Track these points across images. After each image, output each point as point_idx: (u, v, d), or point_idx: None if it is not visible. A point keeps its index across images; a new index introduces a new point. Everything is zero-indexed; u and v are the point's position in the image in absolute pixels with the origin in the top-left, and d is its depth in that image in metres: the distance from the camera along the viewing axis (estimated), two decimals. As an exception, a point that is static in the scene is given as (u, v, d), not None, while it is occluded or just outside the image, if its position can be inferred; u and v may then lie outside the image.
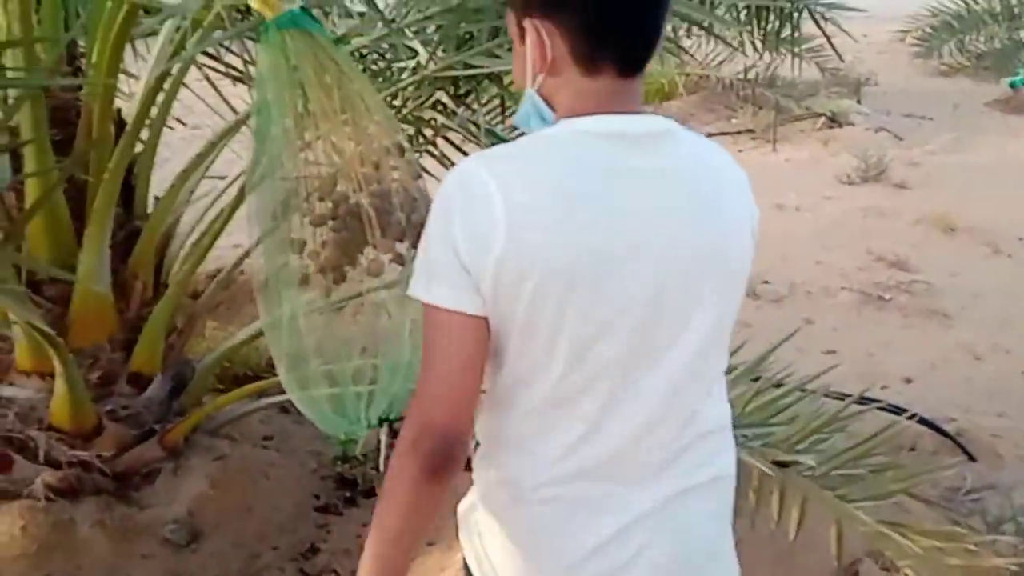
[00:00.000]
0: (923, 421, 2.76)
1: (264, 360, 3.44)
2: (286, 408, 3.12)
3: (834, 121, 7.94)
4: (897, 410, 2.66)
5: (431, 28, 2.64)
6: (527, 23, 1.14)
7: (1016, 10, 10.39)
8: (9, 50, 2.06)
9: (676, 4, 2.48)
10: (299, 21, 1.70)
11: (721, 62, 8.42)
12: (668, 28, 2.72)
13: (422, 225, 1.78)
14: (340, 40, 2.37)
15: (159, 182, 2.60)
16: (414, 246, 1.75)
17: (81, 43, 2.56)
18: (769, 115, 7.92)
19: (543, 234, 1.07)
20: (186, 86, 2.66)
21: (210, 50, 3.01)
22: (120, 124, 2.43)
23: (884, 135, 7.52)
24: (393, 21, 2.48)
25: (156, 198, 2.61)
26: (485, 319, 1.10)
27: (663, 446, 1.17)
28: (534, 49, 1.13)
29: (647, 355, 1.13)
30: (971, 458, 2.72)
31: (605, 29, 1.11)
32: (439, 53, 2.59)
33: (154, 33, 2.79)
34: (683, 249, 1.13)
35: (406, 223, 1.71)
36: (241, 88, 3.31)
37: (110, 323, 2.38)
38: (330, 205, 1.72)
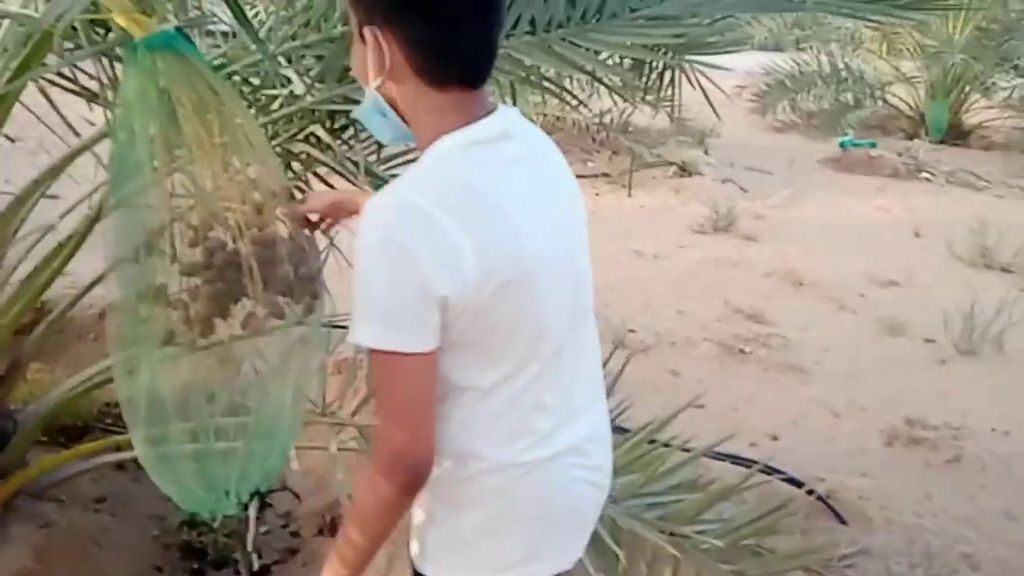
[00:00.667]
0: (798, 484, 2.80)
1: (96, 409, 3.10)
2: (122, 465, 2.80)
3: (684, 170, 8.23)
4: (771, 470, 2.68)
5: (309, 57, 2.46)
6: (367, 31, 1.18)
7: (843, 74, 11.20)
8: None
9: (562, 49, 2.42)
10: (173, 43, 1.50)
11: (577, 105, 8.60)
12: (552, 72, 2.67)
13: (311, 279, 1.62)
14: (219, 67, 2.16)
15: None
16: (298, 300, 1.59)
17: None
18: (624, 161, 8.12)
19: (493, 240, 1.16)
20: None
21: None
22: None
23: (730, 186, 7.86)
24: (268, 47, 2.29)
25: (-20, 226, 2.28)
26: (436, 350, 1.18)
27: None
28: (373, 56, 1.19)
29: (579, 331, 1.34)
30: (842, 521, 2.78)
31: (447, 51, 1.17)
32: (317, 84, 2.41)
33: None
34: (570, 222, 1.32)
35: (293, 276, 1.54)
36: (78, 102, 2.99)
37: (-83, 371, 2.04)
38: (203, 252, 1.53)
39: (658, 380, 3.63)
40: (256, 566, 2.47)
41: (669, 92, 3.45)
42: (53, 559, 2.20)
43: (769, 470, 2.64)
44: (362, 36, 1.20)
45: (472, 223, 1.15)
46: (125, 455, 2.66)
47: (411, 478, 1.21)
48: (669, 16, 2.51)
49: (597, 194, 7.45)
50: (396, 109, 1.23)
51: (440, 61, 1.17)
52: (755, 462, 2.27)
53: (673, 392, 3.46)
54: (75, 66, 2.71)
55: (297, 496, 2.75)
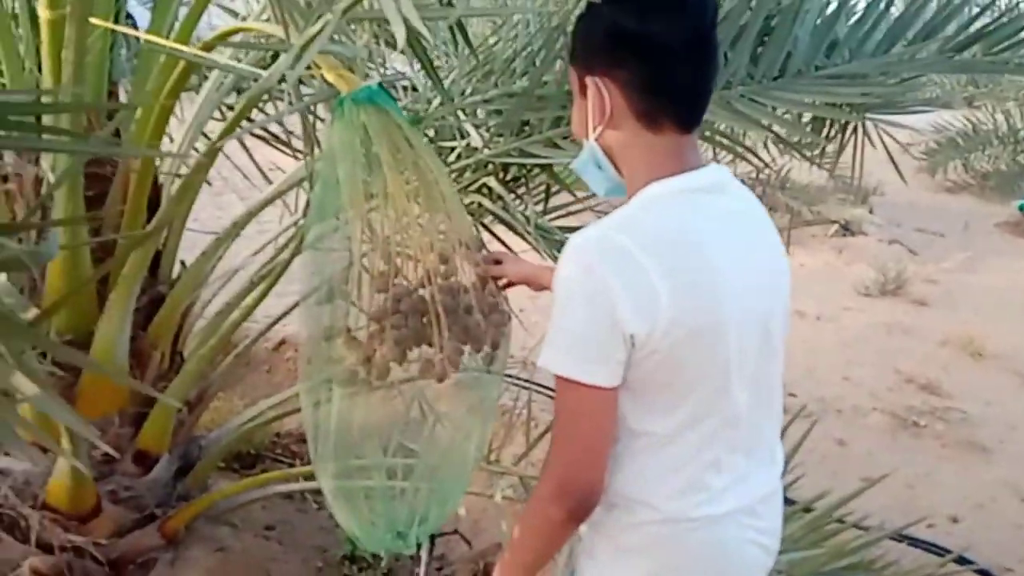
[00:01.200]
0: (984, 573, 2.59)
1: (268, 439, 3.25)
2: (290, 495, 2.92)
3: (847, 229, 7.91)
4: (962, 560, 2.49)
5: (488, 111, 2.54)
6: (589, 80, 1.26)
7: (1021, 134, 10.52)
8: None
9: (741, 106, 2.39)
10: (376, 98, 1.58)
11: (732, 159, 8.46)
12: (723, 127, 2.63)
13: (494, 328, 1.64)
14: (416, 121, 2.26)
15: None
16: (478, 350, 1.61)
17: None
18: (782, 218, 7.89)
19: (690, 288, 1.19)
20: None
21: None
22: (156, 186, 2.30)
23: (897, 248, 7.49)
24: (452, 101, 2.38)
25: (182, 263, 2.46)
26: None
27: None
28: (594, 104, 1.26)
29: (764, 392, 1.32)
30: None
31: (662, 89, 1.23)
32: (495, 138, 2.48)
33: (191, 88, 2.69)
34: (774, 287, 1.32)
35: (479, 326, 1.57)
36: (271, 152, 3.20)
37: (122, 396, 2.20)
38: (390, 298, 1.58)
39: (823, 449, 3.45)
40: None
41: (832, 148, 3.35)
42: (227, 582, 2.30)
43: (961, 560, 2.45)
44: (583, 89, 1.28)
45: (672, 268, 1.18)
46: (294, 486, 2.78)
47: (578, 506, 1.23)
48: (856, 74, 2.44)
49: (754, 251, 7.26)
50: (611, 159, 1.30)
51: (656, 99, 1.23)
52: (942, 548, 2.11)
53: (839, 463, 3.29)
54: (279, 124, 2.92)
55: (468, 542, 2.77)
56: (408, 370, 1.61)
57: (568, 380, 1.20)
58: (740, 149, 2.67)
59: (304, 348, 1.66)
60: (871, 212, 8.60)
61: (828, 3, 2.51)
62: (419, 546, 2.44)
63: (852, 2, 2.48)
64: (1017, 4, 2.42)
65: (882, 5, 2.45)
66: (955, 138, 10.69)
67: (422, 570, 2.11)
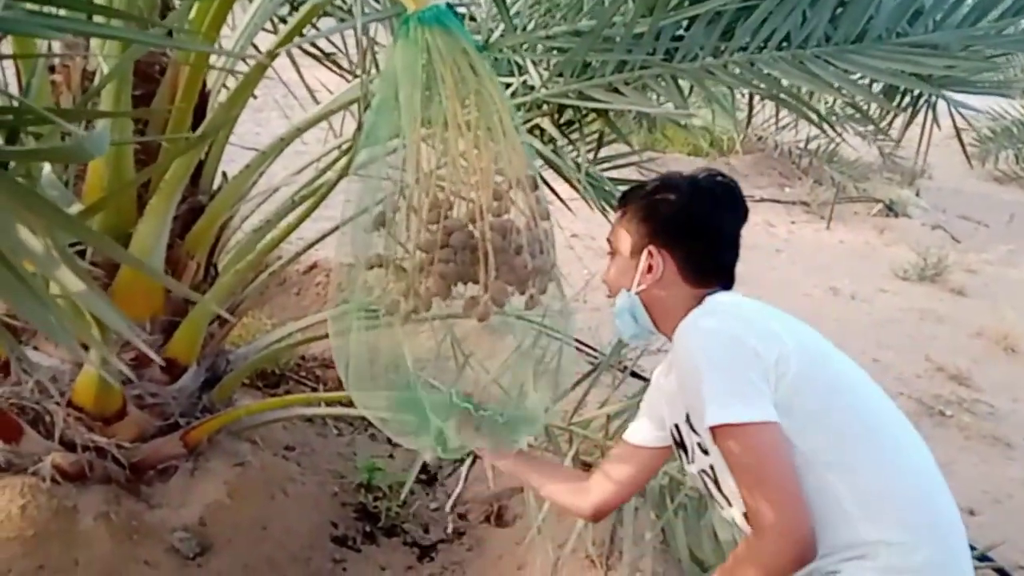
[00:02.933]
0: (1001, 572, 2.55)
1: (293, 361, 3.25)
2: (311, 418, 2.92)
3: (890, 210, 7.75)
4: (982, 558, 2.45)
5: (549, 47, 2.45)
6: (647, 249, 1.43)
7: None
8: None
9: (815, 67, 2.29)
10: (444, 19, 1.50)
11: (784, 127, 8.26)
12: (790, 84, 2.52)
13: (541, 273, 1.59)
14: (484, 47, 2.18)
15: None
16: (524, 292, 1.57)
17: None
18: (826, 191, 7.74)
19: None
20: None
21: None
22: (203, 92, 2.24)
23: (940, 233, 7.33)
24: (515, 33, 2.30)
25: (224, 174, 2.42)
26: None
27: None
28: (644, 267, 1.43)
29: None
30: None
31: (712, 268, 1.43)
32: (555, 78, 2.40)
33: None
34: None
35: (528, 267, 1.52)
36: (321, 72, 3.13)
37: (155, 302, 2.18)
38: (441, 231, 1.53)
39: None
40: (450, 527, 2.53)
41: (889, 126, 3.22)
42: (244, 497, 2.31)
43: (979, 557, 2.41)
44: (635, 251, 1.44)
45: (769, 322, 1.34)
46: (316, 411, 2.78)
47: (804, 549, 1.20)
48: (938, 45, 2.33)
49: (793, 222, 7.14)
50: (647, 307, 1.45)
51: (709, 272, 1.43)
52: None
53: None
54: (329, 41, 2.84)
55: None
56: (450, 305, 1.57)
57: (743, 425, 1.24)
58: (804, 110, 2.56)
59: (337, 273, 1.63)
60: (917, 195, 8.42)
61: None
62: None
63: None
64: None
65: (969, -26, 2.33)
66: (1011, 127, 10.38)
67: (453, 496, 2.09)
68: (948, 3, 2.33)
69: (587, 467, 2.29)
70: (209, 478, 2.30)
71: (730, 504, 1.37)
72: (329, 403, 2.76)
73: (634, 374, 3.07)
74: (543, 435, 2.35)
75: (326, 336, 2.90)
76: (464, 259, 1.54)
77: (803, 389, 1.26)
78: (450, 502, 2.49)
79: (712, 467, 1.37)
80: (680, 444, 1.47)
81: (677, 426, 1.46)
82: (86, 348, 2.05)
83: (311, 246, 2.56)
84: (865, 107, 2.88)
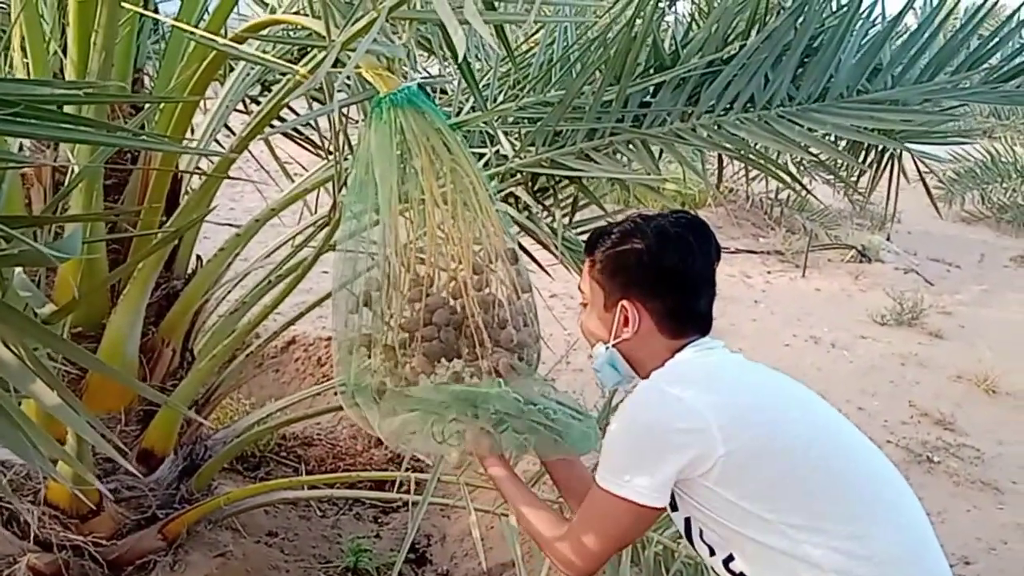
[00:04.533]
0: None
1: (274, 441, 3.19)
2: (294, 502, 2.85)
3: (863, 255, 7.84)
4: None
5: (520, 119, 2.48)
6: (622, 304, 1.41)
7: (1040, 168, 10.43)
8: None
9: (780, 126, 2.33)
10: (416, 100, 1.51)
11: (754, 179, 8.37)
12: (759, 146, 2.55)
13: (526, 346, 1.58)
14: (457, 126, 2.20)
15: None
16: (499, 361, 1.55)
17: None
18: (798, 240, 7.82)
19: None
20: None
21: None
22: (176, 180, 2.23)
23: (913, 276, 7.41)
24: (485, 107, 2.32)
25: (199, 257, 2.40)
26: None
27: None
28: (620, 320, 1.42)
29: None
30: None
31: (689, 315, 1.43)
32: (526, 147, 2.42)
33: (216, 79, 2.63)
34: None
35: (513, 341, 1.50)
36: (292, 146, 3.14)
37: (130, 393, 2.13)
38: (423, 310, 1.51)
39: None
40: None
41: (853, 177, 3.28)
42: (227, 589, 2.23)
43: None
44: (609, 305, 1.43)
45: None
46: (299, 494, 2.71)
47: None
48: (898, 100, 2.38)
49: (768, 272, 7.19)
50: (626, 356, 1.44)
51: (685, 321, 1.42)
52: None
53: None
54: (312, 126, 2.85)
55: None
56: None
57: (623, 499, 1.33)
58: (772, 168, 2.59)
59: (335, 351, 1.61)
60: (888, 239, 8.53)
61: (873, 27, 2.45)
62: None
63: (898, 28, 2.42)
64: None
65: (927, 33, 2.39)
66: (973, 168, 10.60)
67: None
68: (905, 60, 2.39)
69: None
70: (190, 571, 2.23)
71: (712, 553, 1.35)
72: (312, 484, 2.70)
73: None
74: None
75: (308, 416, 2.87)
76: (448, 336, 1.53)
77: (756, 464, 1.27)
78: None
79: (688, 519, 1.38)
80: None
81: None
82: (62, 442, 1.99)
83: (290, 323, 2.54)
84: (831, 162, 2.92)
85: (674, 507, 1.38)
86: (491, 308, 1.52)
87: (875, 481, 1.33)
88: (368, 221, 1.56)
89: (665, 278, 1.41)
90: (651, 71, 2.36)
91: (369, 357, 1.51)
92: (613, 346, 1.44)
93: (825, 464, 1.29)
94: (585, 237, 3.02)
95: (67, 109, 1.63)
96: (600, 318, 1.46)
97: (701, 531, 1.36)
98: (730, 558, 1.32)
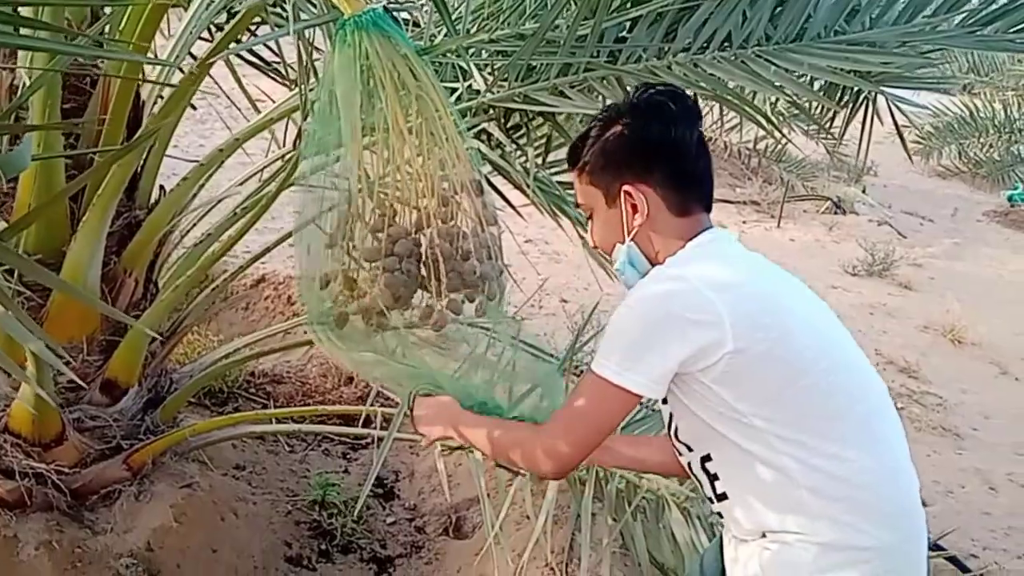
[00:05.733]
0: (953, 560, 2.58)
1: (242, 378, 3.17)
2: (262, 436, 2.85)
3: (838, 207, 7.87)
4: (934, 547, 2.47)
5: (493, 51, 2.43)
6: (624, 190, 1.37)
7: (1018, 124, 10.47)
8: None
9: (756, 66, 2.30)
10: (381, 23, 1.48)
11: (732, 128, 8.34)
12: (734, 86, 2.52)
13: (490, 279, 1.56)
14: (425, 51, 2.15)
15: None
16: (473, 298, 1.54)
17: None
18: (775, 190, 7.84)
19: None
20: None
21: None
22: (137, 104, 2.17)
23: (887, 229, 7.46)
24: (463, 39, 2.27)
25: (161, 187, 2.35)
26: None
27: None
28: (628, 210, 1.37)
29: None
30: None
31: (692, 179, 1.39)
32: (499, 82, 2.37)
33: (179, 4, 2.55)
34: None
35: (476, 274, 1.49)
36: (264, 82, 3.07)
37: (92, 322, 2.11)
38: (385, 240, 1.49)
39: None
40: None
41: (831, 124, 3.27)
42: (192, 521, 2.24)
43: (932, 547, 2.43)
44: (612, 201, 1.38)
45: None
46: (267, 427, 2.71)
47: (556, 474, 1.40)
48: (875, 43, 2.35)
49: (744, 222, 7.21)
50: (643, 251, 1.39)
51: (688, 186, 1.38)
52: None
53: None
54: (267, 47, 2.78)
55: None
56: (404, 316, 1.53)
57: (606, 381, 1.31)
58: (748, 110, 2.56)
59: (296, 286, 1.59)
60: (864, 192, 8.56)
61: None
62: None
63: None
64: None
65: (903, -27, 2.36)
66: (951, 123, 10.61)
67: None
68: (883, 1, 2.36)
69: (544, 474, 2.27)
70: (155, 502, 2.22)
71: (689, 450, 1.36)
72: (280, 419, 2.69)
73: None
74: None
75: (275, 351, 2.86)
76: (410, 267, 1.51)
77: (760, 368, 1.25)
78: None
79: (671, 414, 1.38)
80: None
81: None
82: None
83: (256, 259, 2.51)
84: (807, 105, 2.90)
85: (663, 400, 1.37)
86: (455, 240, 1.50)
87: (866, 401, 1.34)
88: (332, 150, 1.53)
89: (655, 150, 1.37)
90: (628, 5, 2.32)
91: (331, 289, 1.50)
92: (631, 240, 1.38)
93: (827, 380, 1.28)
94: (559, 178, 3.02)
95: (24, 13, 1.57)
96: (607, 221, 1.41)
97: (678, 427, 1.37)
98: (707, 457, 1.33)
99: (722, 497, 1.32)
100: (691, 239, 1.35)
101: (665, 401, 1.37)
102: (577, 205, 1.46)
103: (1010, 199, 9.09)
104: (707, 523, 2.03)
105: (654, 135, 1.37)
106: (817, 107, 2.97)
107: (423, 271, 1.48)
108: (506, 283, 1.53)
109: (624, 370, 1.27)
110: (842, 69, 2.36)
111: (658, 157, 1.36)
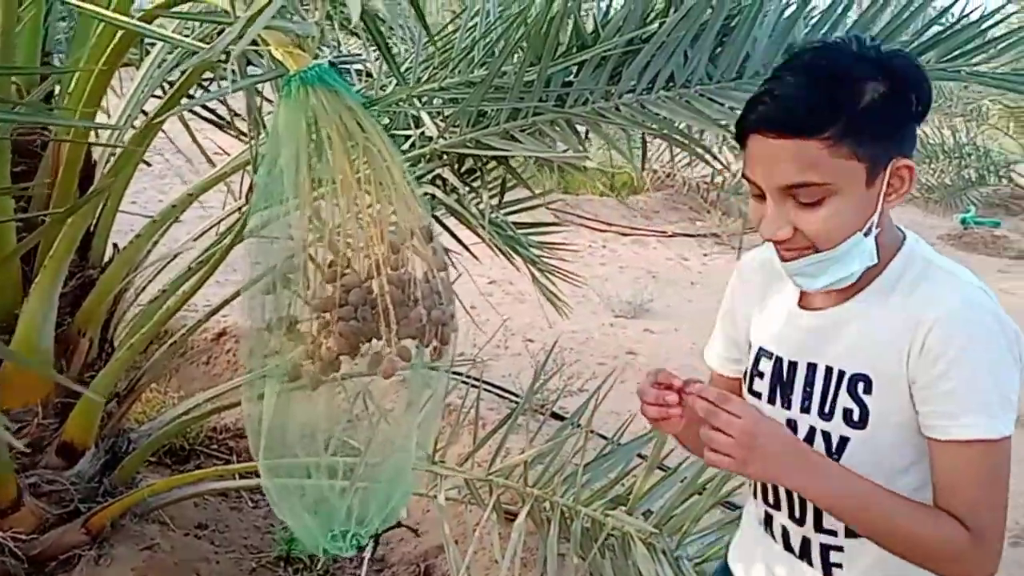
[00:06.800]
0: None
1: (204, 434, 3.14)
2: (225, 493, 2.81)
3: (795, 236, 8.01)
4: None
5: (444, 99, 2.47)
6: (893, 164, 1.08)
7: (967, 149, 10.77)
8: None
9: (700, 105, 2.37)
10: (326, 78, 1.50)
11: (688, 164, 8.49)
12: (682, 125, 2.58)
13: (442, 324, 1.58)
14: (371, 104, 2.18)
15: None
16: (427, 344, 1.55)
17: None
18: (734, 222, 7.96)
19: None
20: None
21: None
22: (89, 163, 2.18)
23: (843, 256, 7.60)
24: (408, 87, 2.31)
25: (115, 245, 2.34)
26: None
27: None
28: (884, 191, 1.09)
29: None
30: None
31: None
32: (451, 128, 2.41)
33: (131, 64, 2.57)
34: None
35: (426, 320, 1.50)
36: (211, 131, 3.08)
37: (47, 384, 2.09)
38: (339, 289, 1.50)
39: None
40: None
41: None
42: (154, 583, 2.19)
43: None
44: (872, 179, 1.08)
45: None
46: (228, 484, 2.67)
47: None
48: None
49: (705, 254, 7.30)
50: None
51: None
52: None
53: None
54: (220, 101, 2.80)
55: (414, 531, 2.68)
56: (356, 365, 1.54)
57: (1000, 440, 1.07)
58: (699, 151, 2.63)
59: (246, 340, 1.59)
60: (818, 220, 8.72)
61: (787, 5, 2.50)
62: (362, 547, 2.36)
63: (811, 6, 2.47)
64: (967, 14, 2.43)
65: (839, 9, 2.45)
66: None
67: (363, 571, 2.03)
68: (818, 36, 2.44)
69: (510, 517, 2.26)
70: (116, 565, 2.18)
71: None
72: (243, 474, 2.66)
73: (555, 415, 3.06)
74: (463, 487, 2.31)
75: (236, 404, 2.83)
76: (365, 316, 1.52)
77: None
78: (363, 570, 2.40)
79: (845, 439, 1.15)
80: (781, 381, 1.22)
81: (795, 364, 1.21)
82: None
83: (214, 312, 2.49)
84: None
85: (858, 422, 1.14)
86: (407, 287, 1.51)
87: None
88: (283, 203, 1.55)
89: (921, 115, 1.11)
90: (573, 50, 2.38)
91: (282, 341, 1.51)
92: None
93: None
94: (517, 219, 3.06)
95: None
96: (857, 204, 1.08)
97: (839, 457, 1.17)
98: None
99: None
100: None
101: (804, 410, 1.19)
102: (791, 188, 1.08)
103: (963, 222, 9.31)
104: (672, 557, 2.03)
105: (925, 97, 1.11)
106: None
107: (375, 318, 1.49)
108: (457, 327, 1.54)
109: (998, 421, 1.07)
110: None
111: (916, 126, 1.12)
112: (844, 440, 1.14)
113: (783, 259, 1.16)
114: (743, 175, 1.15)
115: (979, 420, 1.06)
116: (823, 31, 2.43)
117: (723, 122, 2.40)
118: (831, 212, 1.08)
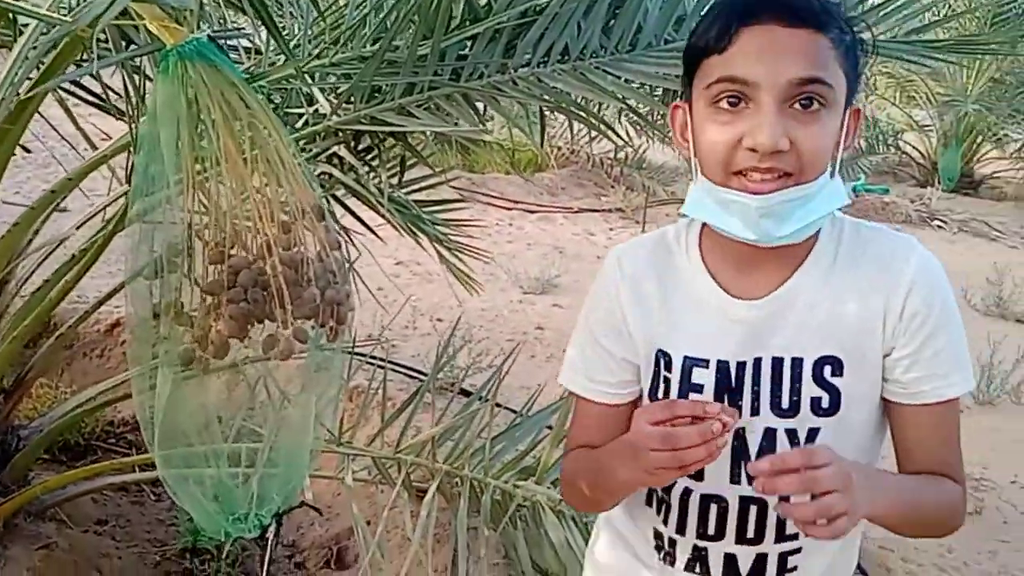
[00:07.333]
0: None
1: (99, 428, 3.03)
2: (124, 487, 2.72)
3: (697, 209, 8.19)
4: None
5: (337, 75, 2.42)
6: (854, 109, 1.03)
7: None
8: None
9: (595, 77, 2.38)
10: (206, 52, 1.45)
11: (591, 140, 8.58)
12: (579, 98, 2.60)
13: (337, 303, 1.56)
14: (253, 79, 2.11)
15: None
16: (323, 324, 1.53)
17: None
18: (638, 197, 8.09)
19: None
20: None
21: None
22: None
23: (743, 226, 7.82)
24: (298, 63, 2.25)
25: (-7, 235, 2.23)
26: None
27: None
28: (848, 130, 1.02)
29: None
30: (864, 573, 2.67)
31: None
32: (345, 104, 2.37)
33: (4, 45, 2.44)
34: None
35: (320, 299, 1.48)
36: (94, 115, 2.94)
37: (-77, 382, 1.97)
38: (226, 271, 1.46)
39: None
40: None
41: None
42: (51, 583, 2.11)
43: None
44: (842, 106, 1.00)
45: None
46: (128, 477, 2.59)
47: None
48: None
49: (611, 229, 7.41)
50: None
51: None
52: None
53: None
54: (93, 77, 2.67)
55: (318, 511, 2.65)
56: (247, 348, 1.51)
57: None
58: (597, 123, 2.65)
59: (132, 327, 1.53)
60: (720, 192, 8.94)
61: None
62: (265, 528, 2.33)
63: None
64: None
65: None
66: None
67: (267, 552, 2.00)
68: (704, 8, 2.49)
69: (421, 494, 2.26)
70: (11, 566, 2.10)
71: None
72: (143, 467, 2.58)
73: (464, 392, 3.06)
74: (372, 467, 2.30)
75: (131, 397, 2.74)
76: (256, 297, 1.48)
77: None
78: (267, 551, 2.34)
79: (814, 431, 1.05)
80: (729, 388, 1.06)
81: (743, 363, 1.06)
82: None
83: (102, 302, 2.40)
84: (647, 112, 3.02)
85: (827, 408, 1.07)
86: (300, 267, 1.49)
87: None
88: (164, 184, 1.49)
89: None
90: (467, 23, 2.36)
91: (171, 326, 1.46)
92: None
93: None
94: (419, 197, 3.03)
95: None
96: (832, 128, 0.99)
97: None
98: None
99: None
100: None
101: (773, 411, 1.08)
102: (801, 85, 0.96)
103: (854, 189, 9.66)
104: (582, 524, 2.07)
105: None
106: (659, 114, 3.11)
107: (266, 300, 1.45)
108: (354, 306, 1.53)
109: (969, 374, 1.07)
110: (675, 75, 2.48)
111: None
112: (814, 432, 1.05)
113: (755, 192, 0.98)
114: (711, 84, 0.98)
115: (966, 375, 1.05)
116: (711, 2, 2.47)
117: (622, 96, 2.43)
118: (823, 129, 0.98)
